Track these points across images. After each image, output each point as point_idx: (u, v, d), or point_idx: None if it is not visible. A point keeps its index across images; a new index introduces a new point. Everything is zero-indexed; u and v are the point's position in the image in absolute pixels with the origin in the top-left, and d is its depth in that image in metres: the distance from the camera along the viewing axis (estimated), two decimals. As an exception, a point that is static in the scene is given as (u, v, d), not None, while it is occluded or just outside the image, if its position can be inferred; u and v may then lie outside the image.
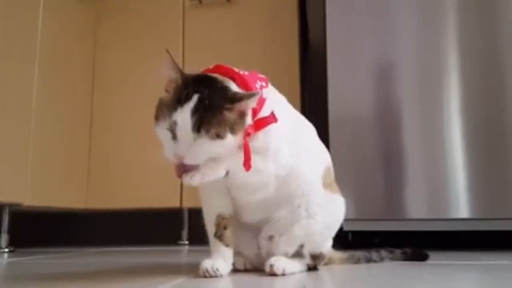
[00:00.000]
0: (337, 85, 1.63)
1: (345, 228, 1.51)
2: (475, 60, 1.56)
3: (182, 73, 0.80)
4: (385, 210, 1.53)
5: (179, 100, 0.75)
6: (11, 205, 1.68)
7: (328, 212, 0.92)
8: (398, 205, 1.53)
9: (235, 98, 0.77)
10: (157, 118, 0.78)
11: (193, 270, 0.90)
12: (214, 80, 0.80)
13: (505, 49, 1.54)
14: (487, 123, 1.51)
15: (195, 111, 0.74)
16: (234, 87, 0.81)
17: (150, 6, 2.16)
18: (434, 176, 1.51)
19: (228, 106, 0.76)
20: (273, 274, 0.85)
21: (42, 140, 1.75)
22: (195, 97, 0.75)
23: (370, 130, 1.58)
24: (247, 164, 0.78)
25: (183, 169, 0.78)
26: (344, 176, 1.52)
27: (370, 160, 1.57)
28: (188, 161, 0.76)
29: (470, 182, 1.49)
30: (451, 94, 1.55)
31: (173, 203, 1.97)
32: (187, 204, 1.97)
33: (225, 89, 0.79)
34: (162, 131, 0.77)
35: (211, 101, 0.75)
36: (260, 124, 0.82)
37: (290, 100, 0.96)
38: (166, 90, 0.81)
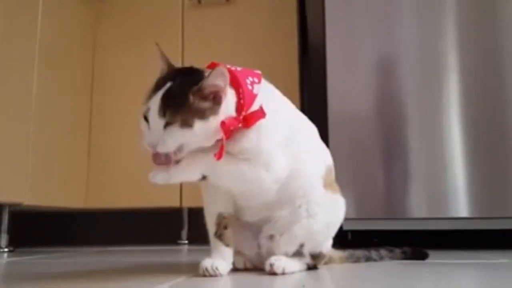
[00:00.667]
0: (336, 85, 1.63)
1: (345, 227, 1.51)
2: (475, 60, 1.56)
3: (169, 65, 0.84)
4: (384, 209, 1.53)
5: (156, 88, 0.79)
6: (10, 205, 1.68)
7: (329, 212, 0.92)
8: (398, 204, 1.53)
9: (200, 80, 0.78)
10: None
11: (193, 270, 0.91)
12: (195, 70, 0.83)
13: (505, 49, 1.54)
14: (487, 123, 1.52)
15: (165, 97, 0.77)
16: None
17: (149, 6, 2.16)
18: (433, 175, 1.52)
19: (195, 88, 0.77)
20: (273, 273, 0.85)
21: (42, 140, 1.75)
22: (168, 85, 0.78)
23: (370, 130, 1.58)
24: (218, 154, 0.77)
25: (159, 160, 0.78)
26: (344, 176, 1.52)
27: (370, 160, 1.57)
28: (160, 148, 0.76)
29: (469, 181, 1.49)
30: (451, 93, 1.55)
31: (173, 202, 1.97)
32: (187, 203, 1.97)
33: (198, 74, 0.80)
34: (141, 121, 0.80)
35: (180, 88, 0.77)
36: (249, 119, 0.81)
37: (290, 100, 0.96)
38: None
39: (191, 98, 0.76)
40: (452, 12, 1.60)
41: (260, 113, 0.81)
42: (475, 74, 1.55)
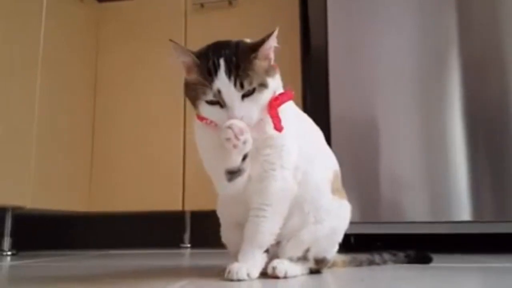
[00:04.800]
0: (338, 86, 1.62)
1: (348, 231, 1.50)
2: (477, 61, 1.55)
3: (193, 53, 0.82)
4: (387, 213, 1.53)
5: (209, 73, 0.78)
6: (13, 208, 1.68)
7: (335, 218, 0.92)
8: (401, 208, 1.52)
9: (256, 45, 0.80)
10: (196, 97, 0.79)
11: (195, 273, 0.90)
12: (227, 42, 0.83)
13: (507, 48, 1.54)
14: (489, 125, 1.51)
15: (229, 73, 0.76)
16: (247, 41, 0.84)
17: (152, 9, 2.17)
18: (436, 178, 1.51)
19: (254, 55, 0.79)
20: (275, 277, 0.85)
21: (45, 143, 1.75)
22: (222, 62, 0.77)
23: (372, 133, 1.58)
24: (277, 126, 0.79)
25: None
26: (347, 179, 1.51)
27: (373, 163, 1.56)
28: (248, 120, 0.77)
29: (472, 184, 1.49)
30: (452, 95, 1.55)
31: (175, 206, 1.97)
32: (189, 207, 1.97)
33: (241, 43, 0.82)
34: (207, 107, 0.78)
35: (238, 58, 0.78)
36: (278, 99, 0.82)
37: (293, 101, 0.96)
38: (188, 75, 0.83)
39: (256, 61, 0.79)
40: (453, 14, 1.59)
41: (288, 94, 0.84)
42: (477, 75, 1.54)
